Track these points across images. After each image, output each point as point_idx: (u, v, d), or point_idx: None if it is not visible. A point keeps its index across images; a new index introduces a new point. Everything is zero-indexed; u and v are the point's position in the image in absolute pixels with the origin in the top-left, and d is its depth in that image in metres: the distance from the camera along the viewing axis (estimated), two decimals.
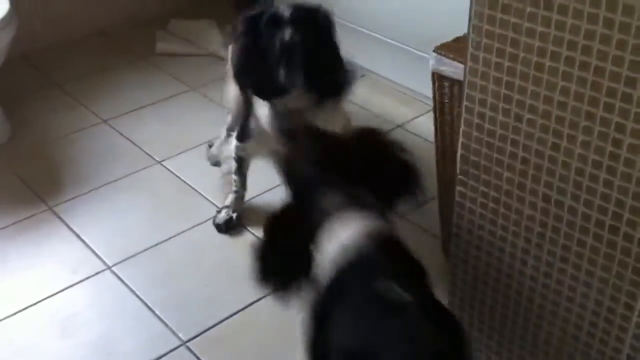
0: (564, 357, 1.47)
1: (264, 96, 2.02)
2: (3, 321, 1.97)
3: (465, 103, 1.41)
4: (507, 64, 1.30)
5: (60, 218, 2.34)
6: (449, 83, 1.81)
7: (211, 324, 1.96)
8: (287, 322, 1.94)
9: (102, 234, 2.27)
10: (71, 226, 2.30)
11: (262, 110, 2.08)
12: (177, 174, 2.52)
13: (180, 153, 2.63)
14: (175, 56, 3.29)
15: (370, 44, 2.90)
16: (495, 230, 1.48)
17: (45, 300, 2.04)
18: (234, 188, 2.31)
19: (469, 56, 1.35)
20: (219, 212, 2.29)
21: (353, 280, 1.25)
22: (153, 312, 1.99)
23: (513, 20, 1.25)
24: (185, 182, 2.48)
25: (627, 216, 1.24)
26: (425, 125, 2.64)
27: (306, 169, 1.39)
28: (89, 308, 2.02)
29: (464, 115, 1.43)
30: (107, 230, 2.29)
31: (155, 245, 2.23)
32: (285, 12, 1.92)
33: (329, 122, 2.01)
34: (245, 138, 2.20)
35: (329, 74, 1.99)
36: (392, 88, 2.95)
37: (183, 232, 2.27)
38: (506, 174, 1.40)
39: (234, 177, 2.30)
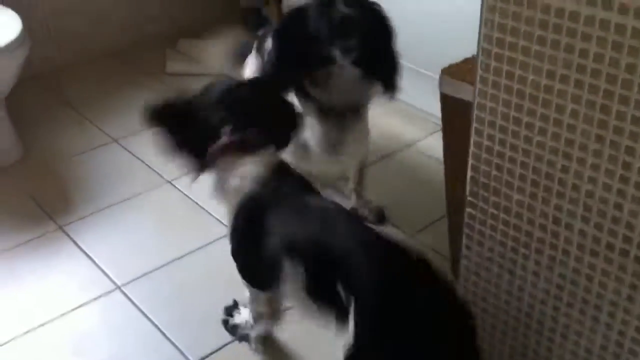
0: None
1: (308, 68, 1.92)
2: (13, 340, 1.97)
3: (474, 125, 1.42)
4: (516, 86, 1.30)
5: (70, 237, 2.34)
6: (457, 104, 1.82)
7: (220, 344, 1.95)
8: (296, 342, 1.95)
9: (111, 253, 2.28)
10: (81, 245, 2.31)
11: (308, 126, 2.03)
12: (187, 194, 2.52)
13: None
14: (185, 75, 3.31)
15: None
16: (504, 252, 1.48)
17: (55, 320, 2.04)
18: None
19: (478, 78, 1.36)
20: None
21: (273, 195, 1.58)
22: (162, 333, 1.99)
23: (522, 43, 1.25)
24: (195, 202, 2.48)
25: (637, 239, 1.23)
26: (434, 145, 2.64)
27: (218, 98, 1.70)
28: (98, 328, 2.02)
29: (473, 137, 1.43)
30: (117, 249, 2.30)
31: (165, 265, 2.23)
32: None
33: (356, 135, 2.03)
34: None
35: (381, 58, 1.93)
36: (401, 108, 2.95)
37: (192, 252, 2.27)
38: (516, 196, 1.40)
39: None
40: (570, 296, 1.39)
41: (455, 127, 1.87)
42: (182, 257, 2.26)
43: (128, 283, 2.16)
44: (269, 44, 2.18)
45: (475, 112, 1.40)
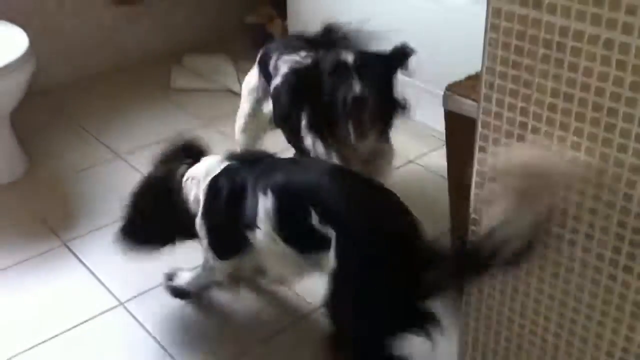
0: None
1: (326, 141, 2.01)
2: (17, 356, 1.97)
3: (478, 142, 1.42)
4: (520, 104, 1.30)
5: (74, 253, 2.35)
6: (461, 121, 1.82)
7: None
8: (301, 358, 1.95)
9: (115, 270, 2.27)
10: (85, 262, 2.31)
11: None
12: None
13: None
14: (190, 91, 3.33)
15: None
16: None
17: (59, 337, 2.04)
18: None
19: (482, 96, 1.36)
20: None
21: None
22: (165, 350, 1.98)
23: (526, 61, 1.26)
24: None
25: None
26: (437, 161, 2.64)
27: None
28: (101, 345, 2.02)
29: (477, 154, 1.43)
30: (121, 266, 2.29)
31: None
32: (349, 58, 1.91)
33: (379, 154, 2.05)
34: None
35: (388, 116, 2.01)
36: (405, 123, 2.95)
37: (196, 268, 2.27)
38: None
39: None
40: (573, 312, 1.39)
41: (459, 144, 1.87)
42: None
43: (131, 299, 2.16)
44: (273, 61, 2.20)
45: (480, 129, 1.40)
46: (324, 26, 2.25)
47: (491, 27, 1.28)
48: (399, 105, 2.01)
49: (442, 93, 1.87)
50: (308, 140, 2.04)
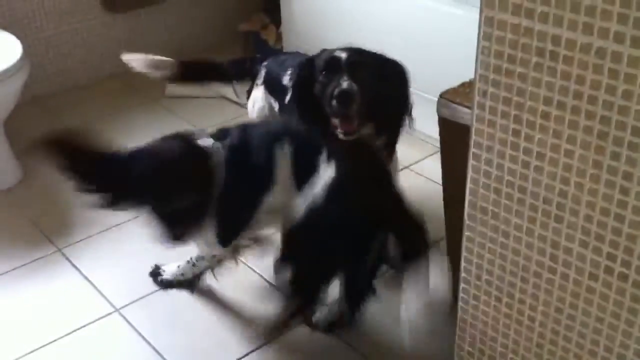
0: None
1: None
2: None
3: (472, 150, 1.43)
4: (513, 112, 1.31)
5: (68, 260, 2.35)
6: (455, 127, 1.83)
7: None
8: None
9: (110, 276, 2.28)
10: (80, 268, 2.31)
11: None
12: None
13: None
14: (184, 98, 3.33)
15: None
16: (503, 275, 1.48)
17: (54, 343, 2.04)
18: None
19: (475, 104, 1.37)
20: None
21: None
22: (161, 355, 1.98)
23: (519, 70, 1.27)
24: None
25: (636, 263, 1.24)
26: (432, 167, 2.65)
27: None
28: (96, 351, 2.02)
29: (471, 161, 1.44)
30: (116, 272, 2.30)
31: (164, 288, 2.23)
32: (342, 55, 1.93)
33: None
34: None
35: (389, 120, 2.02)
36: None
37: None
38: (514, 220, 1.41)
39: None
40: (569, 319, 1.39)
41: (454, 150, 1.88)
42: None
43: (126, 306, 2.16)
44: (265, 66, 2.21)
45: (473, 137, 1.41)
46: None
47: (484, 35, 1.29)
48: (407, 114, 2.04)
49: (436, 100, 1.88)
50: None
